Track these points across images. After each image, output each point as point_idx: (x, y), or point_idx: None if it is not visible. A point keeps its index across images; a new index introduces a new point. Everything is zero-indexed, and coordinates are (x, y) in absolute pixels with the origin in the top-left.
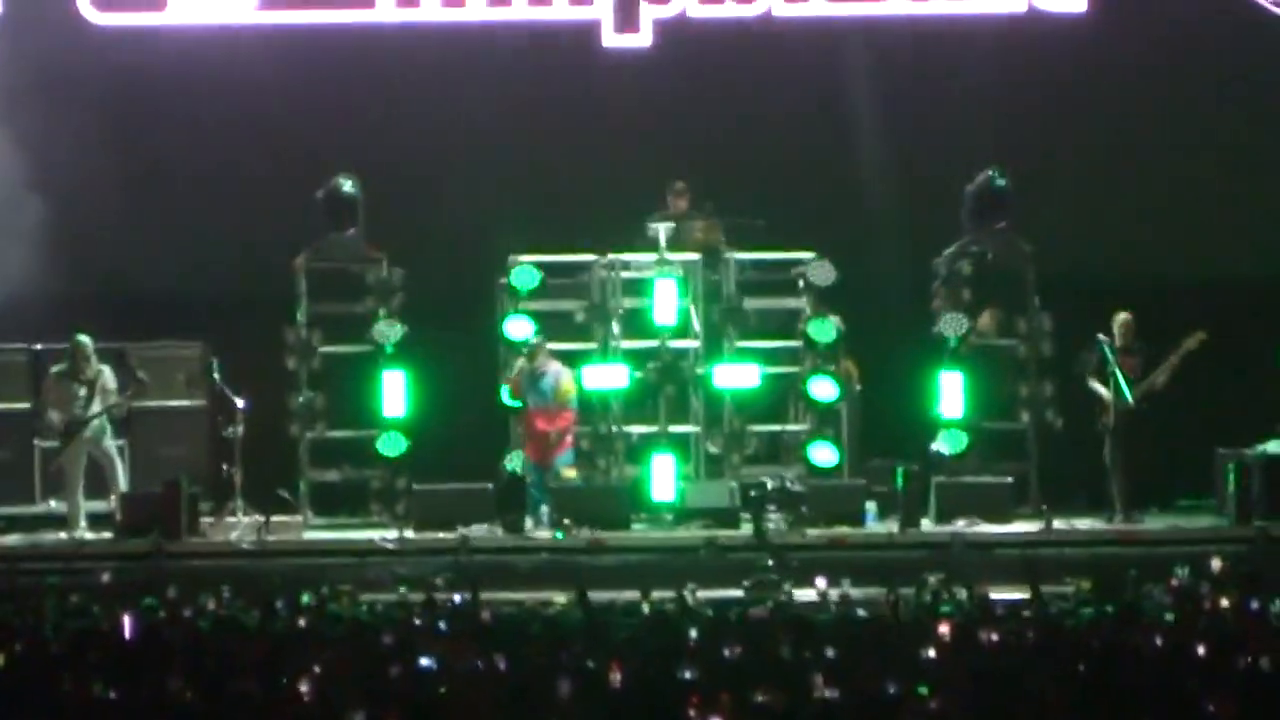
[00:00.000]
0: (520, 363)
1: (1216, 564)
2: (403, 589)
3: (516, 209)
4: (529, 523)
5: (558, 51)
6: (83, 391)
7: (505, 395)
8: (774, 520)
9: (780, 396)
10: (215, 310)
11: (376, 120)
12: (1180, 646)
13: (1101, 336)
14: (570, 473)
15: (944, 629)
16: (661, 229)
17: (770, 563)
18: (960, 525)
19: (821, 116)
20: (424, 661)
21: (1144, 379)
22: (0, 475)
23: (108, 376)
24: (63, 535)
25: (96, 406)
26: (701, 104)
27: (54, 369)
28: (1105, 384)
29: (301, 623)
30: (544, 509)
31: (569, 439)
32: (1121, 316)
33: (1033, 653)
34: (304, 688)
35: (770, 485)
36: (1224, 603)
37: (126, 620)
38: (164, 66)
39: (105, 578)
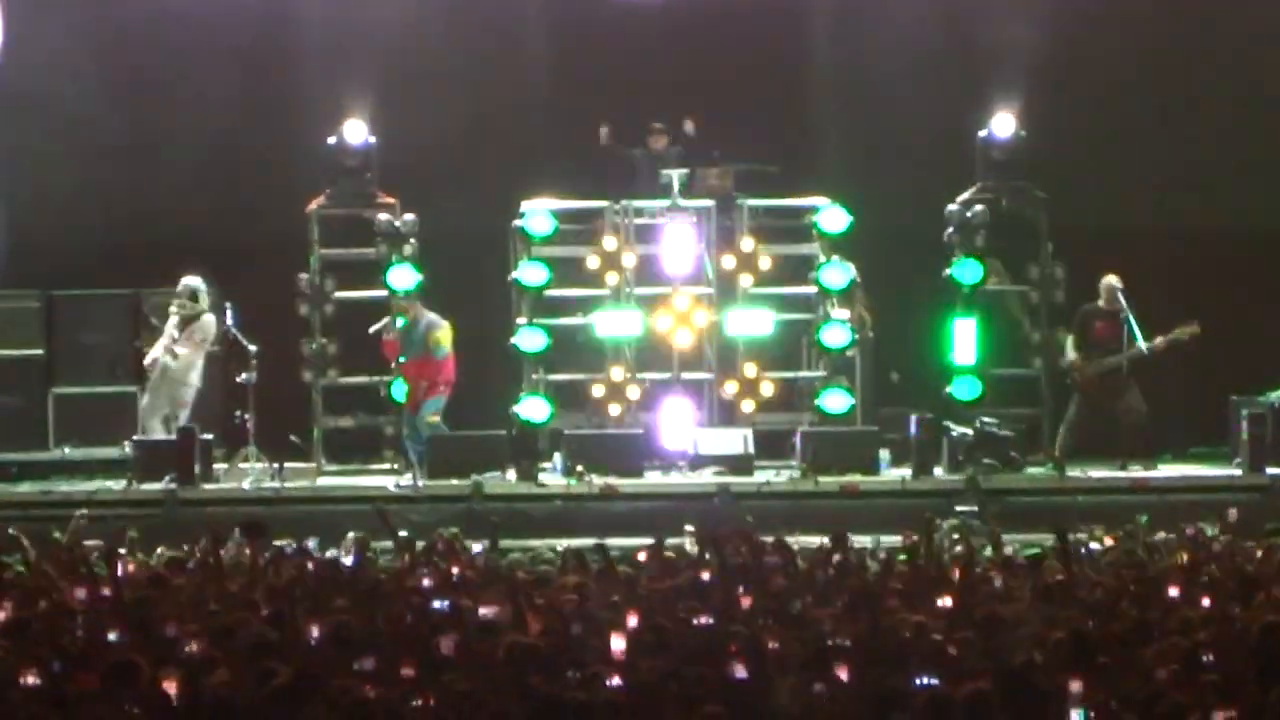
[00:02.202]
0: (395, 321)
1: (1233, 514)
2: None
3: (529, 154)
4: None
5: None
6: (176, 332)
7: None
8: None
9: (794, 343)
10: (228, 256)
11: (389, 66)
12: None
13: (1116, 281)
14: (434, 418)
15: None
16: (675, 176)
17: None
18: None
19: (835, 62)
20: (436, 605)
21: (1127, 344)
22: (12, 422)
23: (206, 326)
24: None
25: (185, 349)
26: (712, 51)
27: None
28: (1085, 340)
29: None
30: (413, 457)
31: (440, 388)
32: (1108, 280)
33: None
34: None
35: (980, 430)
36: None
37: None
38: (177, 10)
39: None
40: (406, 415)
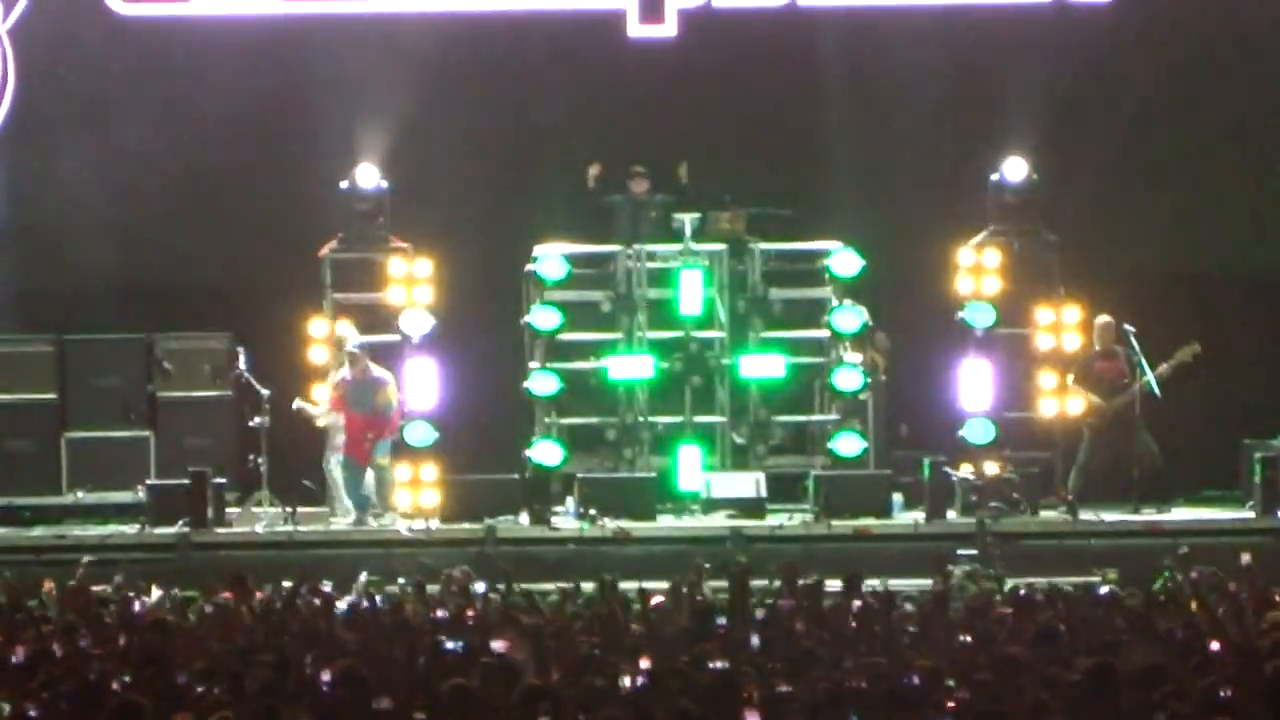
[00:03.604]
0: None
1: (1246, 558)
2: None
3: (542, 198)
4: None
5: (584, 41)
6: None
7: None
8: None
9: (806, 387)
10: (241, 301)
11: (403, 111)
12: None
13: (1128, 326)
14: (384, 460)
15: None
16: (687, 220)
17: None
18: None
19: (846, 106)
20: (449, 645)
21: (1131, 382)
22: (26, 465)
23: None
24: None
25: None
26: (726, 94)
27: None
28: (1088, 385)
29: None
30: (348, 504)
31: (385, 435)
32: (1101, 319)
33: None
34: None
35: (986, 474)
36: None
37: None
38: (188, 56)
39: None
40: (348, 461)
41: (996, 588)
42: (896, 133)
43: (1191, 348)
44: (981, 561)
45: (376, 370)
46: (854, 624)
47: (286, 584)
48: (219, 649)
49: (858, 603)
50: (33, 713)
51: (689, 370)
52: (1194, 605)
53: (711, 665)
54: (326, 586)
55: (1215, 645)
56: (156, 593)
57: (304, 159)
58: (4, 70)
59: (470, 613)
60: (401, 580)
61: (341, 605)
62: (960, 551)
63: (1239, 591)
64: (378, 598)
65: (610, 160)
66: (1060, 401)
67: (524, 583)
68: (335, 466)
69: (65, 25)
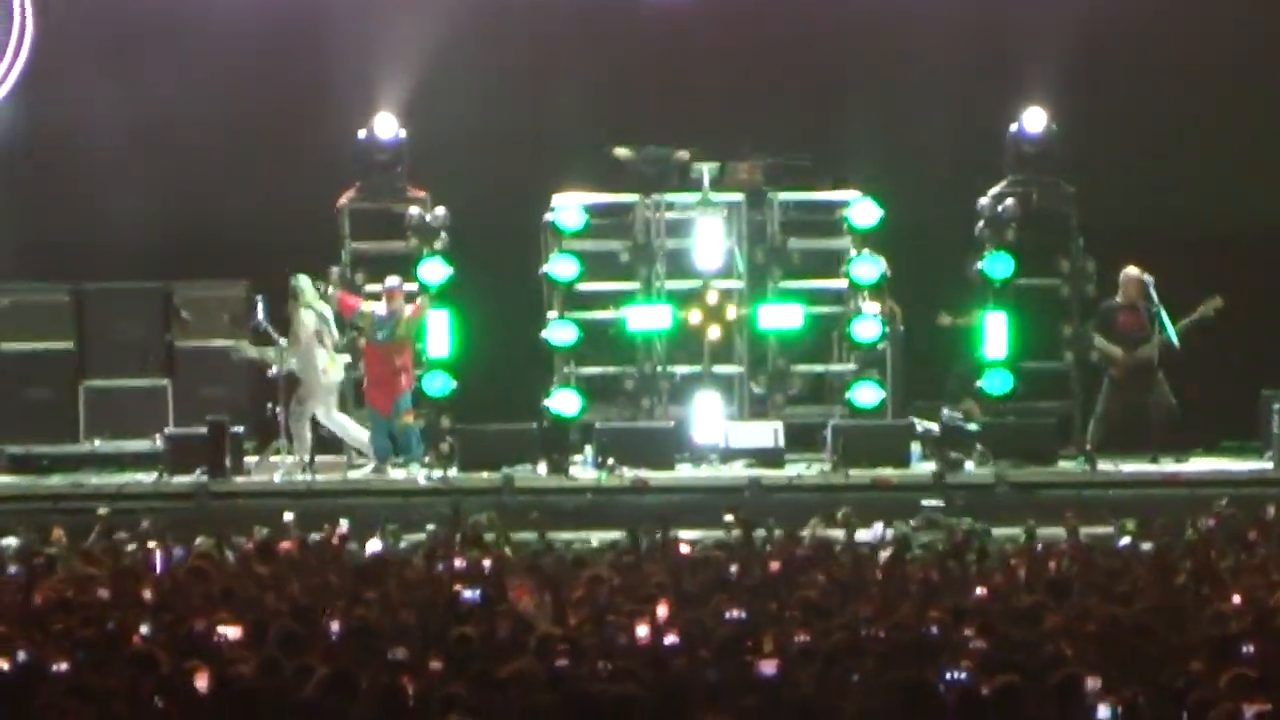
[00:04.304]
0: (369, 308)
1: (1271, 511)
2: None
3: (560, 148)
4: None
5: None
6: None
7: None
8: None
9: (824, 337)
10: (260, 250)
11: (421, 60)
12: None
13: (1148, 278)
14: (409, 418)
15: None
16: (705, 169)
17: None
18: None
19: (865, 56)
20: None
21: (1151, 335)
22: (44, 414)
23: (302, 320)
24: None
25: (291, 346)
26: (744, 44)
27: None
28: (1110, 336)
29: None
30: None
31: (406, 379)
32: (1128, 271)
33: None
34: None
35: (946, 424)
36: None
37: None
38: (207, 5)
39: (144, 524)
40: (370, 412)
41: (969, 534)
42: (916, 83)
43: (1214, 302)
44: (946, 512)
45: (407, 307)
46: (876, 574)
47: (303, 534)
48: (239, 599)
49: (884, 553)
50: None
51: (707, 320)
52: (1213, 555)
53: (729, 615)
54: (344, 534)
55: (1236, 598)
56: (178, 551)
57: (322, 109)
58: (23, 18)
59: (488, 562)
60: (426, 528)
61: (360, 550)
62: (925, 502)
63: (1258, 542)
64: (401, 544)
65: (629, 110)
66: (1079, 352)
67: (544, 531)
68: (297, 420)
69: None
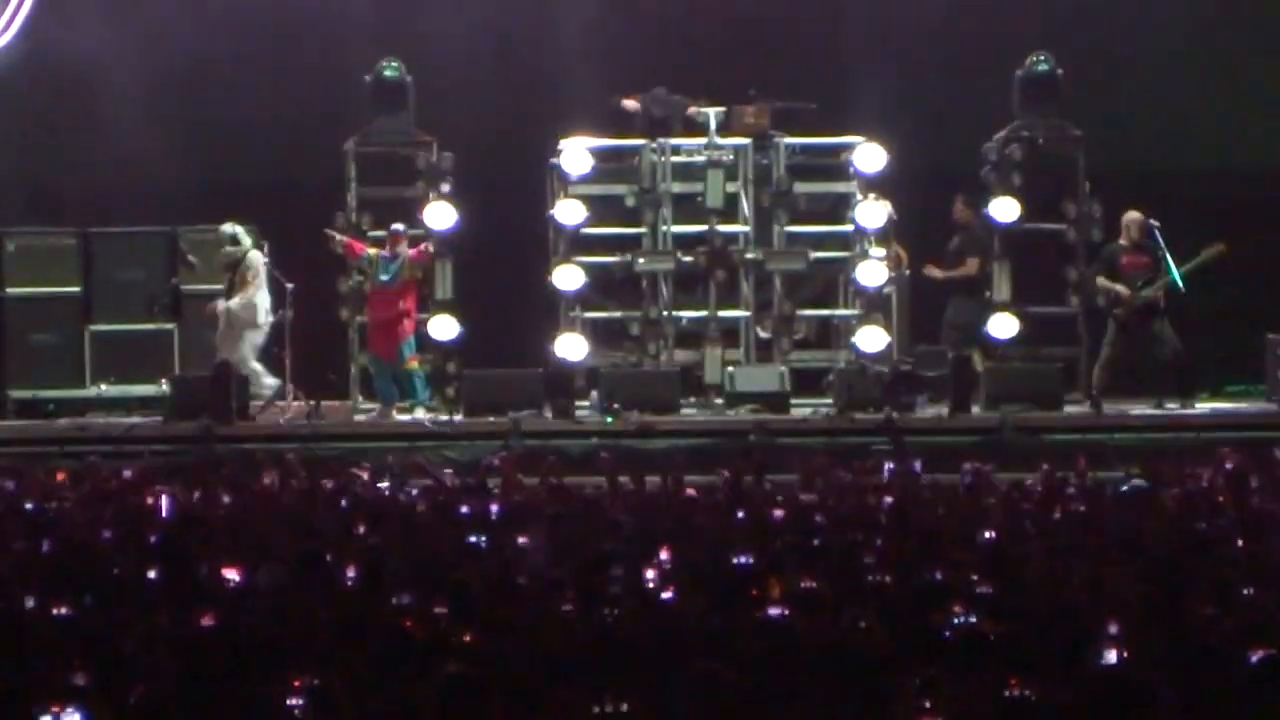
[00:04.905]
0: (375, 252)
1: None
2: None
3: (567, 93)
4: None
5: None
6: (226, 278)
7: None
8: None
9: (830, 281)
10: (265, 194)
11: (426, 3)
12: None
13: (1153, 222)
14: (414, 363)
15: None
16: (711, 113)
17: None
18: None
19: (871, 2)
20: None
21: (1155, 279)
22: (50, 359)
23: (250, 264)
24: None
25: (237, 293)
26: None
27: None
28: (1114, 278)
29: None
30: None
31: (410, 323)
32: (1130, 215)
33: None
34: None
35: (897, 370)
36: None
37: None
38: None
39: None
40: (373, 358)
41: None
42: (921, 27)
43: (1217, 248)
44: (896, 456)
45: (412, 250)
46: (882, 518)
47: (309, 476)
48: (241, 543)
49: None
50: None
51: (713, 265)
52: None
53: (734, 559)
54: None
55: (1240, 542)
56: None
57: (328, 52)
58: None
59: (495, 506)
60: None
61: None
62: (874, 447)
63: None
64: (411, 490)
65: (634, 55)
66: (1085, 297)
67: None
68: (250, 354)
69: None
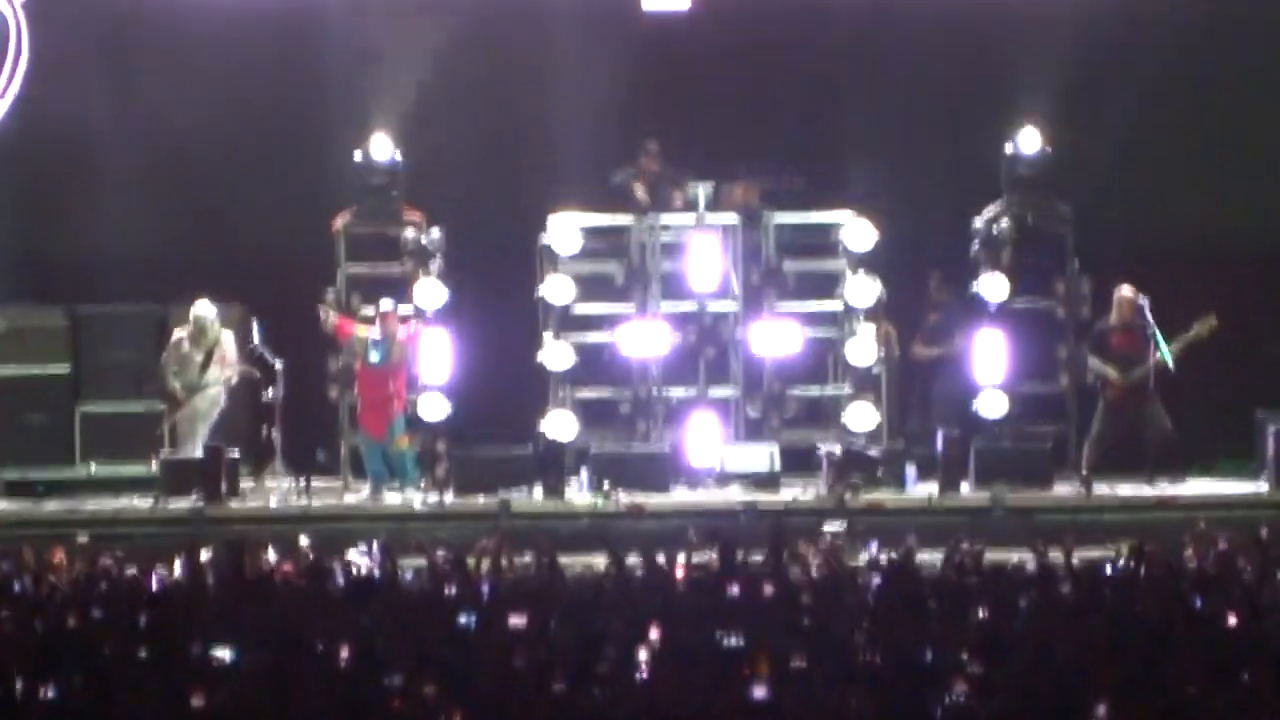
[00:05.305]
0: (365, 332)
1: (1265, 532)
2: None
3: (556, 170)
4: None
5: (598, 12)
6: (199, 357)
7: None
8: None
9: (820, 359)
10: (255, 273)
11: (416, 81)
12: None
13: (1143, 299)
14: (404, 442)
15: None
16: (701, 191)
17: (842, 526)
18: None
19: (861, 77)
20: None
21: (1145, 356)
22: (40, 439)
23: (227, 345)
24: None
25: (214, 373)
26: (740, 66)
27: (176, 333)
28: (1104, 356)
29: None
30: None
31: (399, 403)
32: (1121, 291)
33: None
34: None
35: (848, 449)
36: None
37: (155, 578)
38: (204, 25)
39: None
40: (363, 435)
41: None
42: (911, 104)
43: (1208, 322)
44: (849, 534)
45: (402, 330)
46: (870, 598)
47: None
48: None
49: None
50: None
51: (703, 343)
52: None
53: (721, 638)
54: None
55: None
56: (178, 566)
57: (317, 131)
58: (18, 42)
59: (485, 587)
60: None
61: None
62: (826, 526)
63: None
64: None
65: (624, 131)
66: (1074, 374)
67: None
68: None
69: None
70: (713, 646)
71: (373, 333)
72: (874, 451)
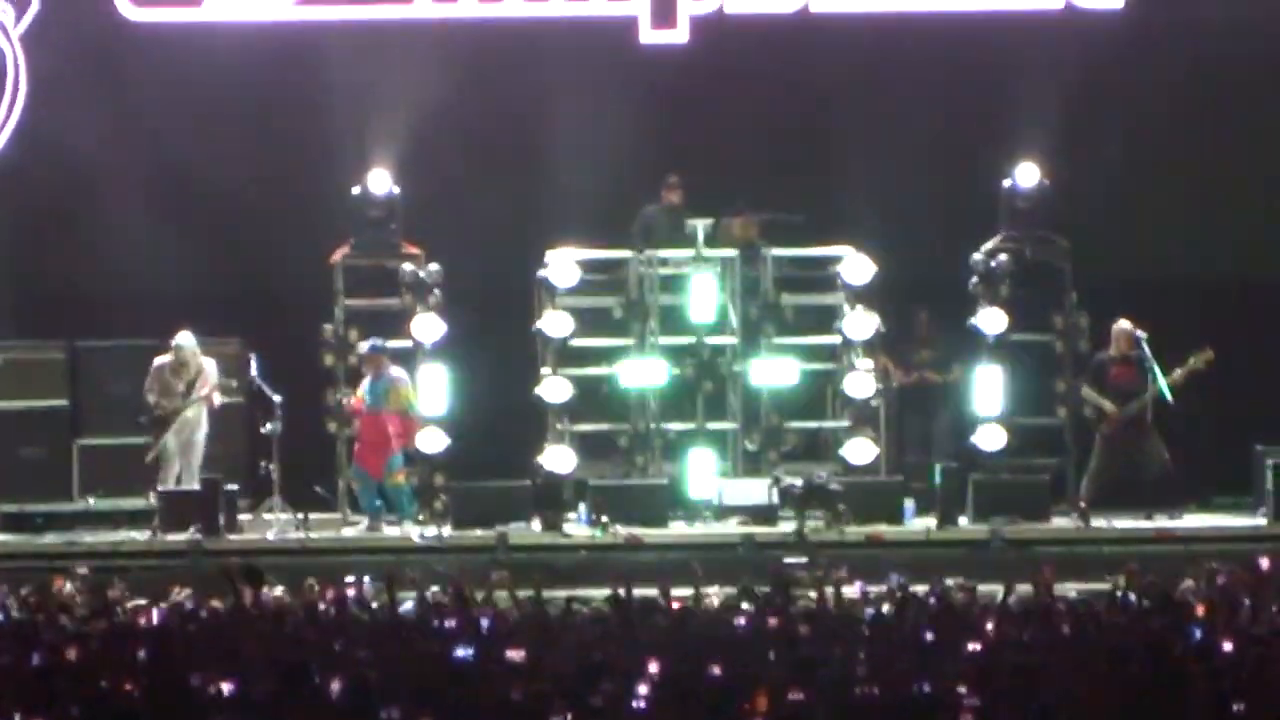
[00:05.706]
0: (364, 381)
1: (1265, 563)
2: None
3: (554, 204)
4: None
5: (595, 47)
6: (181, 386)
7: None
8: (812, 519)
9: (818, 393)
10: (253, 307)
11: (414, 116)
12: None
13: (1140, 332)
14: (400, 477)
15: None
16: (699, 225)
17: (806, 560)
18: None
19: (859, 111)
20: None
21: (1143, 389)
22: (37, 473)
23: (209, 372)
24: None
25: (205, 397)
26: (738, 99)
27: (158, 360)
28: (1102, 389)
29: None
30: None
31: (398, 442)
32: (1119, 325)
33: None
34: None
35: (809, 483)
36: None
37: (154, 613)
38: (200, 61)
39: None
40: (359, 471)
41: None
42: (908, 138)
43: (1205, 355)
44: (810, 569)
45: (395, 370)
46: (865, 630)
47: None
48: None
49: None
50: None
51: (701, 376)
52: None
53: (717, 673)
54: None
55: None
56: (175, 593)
57: (316, 165)
58: (16, 75)
59: (484, 621)
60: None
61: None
62: (788, 560)
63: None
64: (404, 605)
65: (620, 167)
66: (1072, 408)
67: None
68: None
69: (77, 30)
70: (712, 680)
71: (366, 378)
72: (835, 485)
